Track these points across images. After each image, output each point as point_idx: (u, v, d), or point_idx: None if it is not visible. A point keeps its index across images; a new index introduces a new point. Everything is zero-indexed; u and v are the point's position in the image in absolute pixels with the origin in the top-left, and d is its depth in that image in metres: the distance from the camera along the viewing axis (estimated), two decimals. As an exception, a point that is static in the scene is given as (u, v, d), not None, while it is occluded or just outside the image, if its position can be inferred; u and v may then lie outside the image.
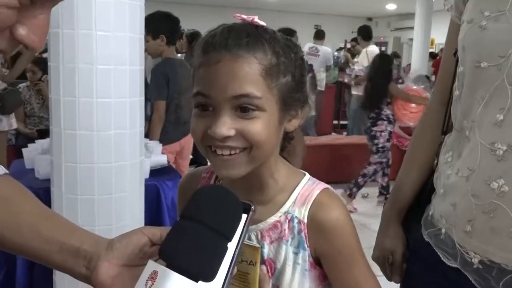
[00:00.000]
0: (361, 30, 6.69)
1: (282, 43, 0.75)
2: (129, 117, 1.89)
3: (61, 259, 0.67)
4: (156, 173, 2.42)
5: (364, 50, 6.55)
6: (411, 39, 10.42)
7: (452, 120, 0.94)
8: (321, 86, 6.83)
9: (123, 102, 1.86)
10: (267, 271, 0.78)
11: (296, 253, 0.78)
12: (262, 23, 0.75)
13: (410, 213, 1.09)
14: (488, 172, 0.81)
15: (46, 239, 0.67)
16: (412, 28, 10.08)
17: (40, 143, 2.62)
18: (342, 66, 7.73)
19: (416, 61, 8.89)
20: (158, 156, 2.55)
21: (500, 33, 0.79)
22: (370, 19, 16.46)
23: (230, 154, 0.72)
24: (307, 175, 0.84)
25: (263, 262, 0.79)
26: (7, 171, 0.74)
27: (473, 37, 0.84)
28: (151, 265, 0.58)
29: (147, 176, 2.29)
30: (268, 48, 0.72)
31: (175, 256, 0.57)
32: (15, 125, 3.79)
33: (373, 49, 6.35)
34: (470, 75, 0.85)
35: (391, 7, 13.71)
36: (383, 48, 9.30)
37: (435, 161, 1.00)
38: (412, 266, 1.05)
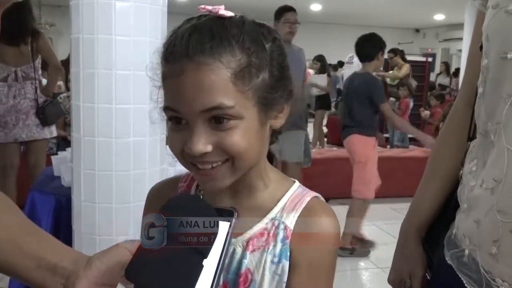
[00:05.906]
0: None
1: (253, 35, 0.67)
2: (149, 124, 1.85)
3: (39, 277, 0.64)
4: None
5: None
6: (461, 50, 10.04)
7: (476, 122, 0.81)
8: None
9: (143, 109, 1.81)
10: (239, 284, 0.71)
11: (275, 263, 0.71)
12: (230, 13, 0.67)
13: (435, 230, 0.96)
14: None
15: (25, 254, 0.65)
16: (461, 39, 9.72)
17: (70, 151, 2.62)
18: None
19: (465, 72, 8.54)
20: (185, 165, 2.50)
21: None
22: (417, 30, 16.07)
23: (212, 167, 0.67)
24: (297, 183, 0.78)
25: (238, 275, 0.71)
26: None
27: (498, 23, 0.71)
28: None
29: (171, 185, 2.23)
30: (237, 47, 0.64)
31: (140, 277, 0.52)
32: (55, 133, 3.87)
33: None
34: (494, 69, 0.72)
35: (439, 17, 13.33)
36: (429, 60, 8.97)
37: (461, 171, 0.87)
38: (432, 291, 0.91)
